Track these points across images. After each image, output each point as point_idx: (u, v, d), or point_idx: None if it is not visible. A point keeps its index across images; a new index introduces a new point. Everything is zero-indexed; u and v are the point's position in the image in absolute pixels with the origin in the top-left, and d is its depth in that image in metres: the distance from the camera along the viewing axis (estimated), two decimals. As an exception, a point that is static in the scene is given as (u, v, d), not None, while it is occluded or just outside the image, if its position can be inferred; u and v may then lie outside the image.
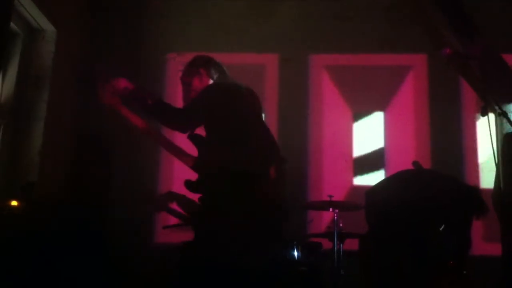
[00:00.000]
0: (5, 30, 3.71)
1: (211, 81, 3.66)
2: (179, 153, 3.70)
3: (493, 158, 3.64)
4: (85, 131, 5.25)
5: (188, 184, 3.47)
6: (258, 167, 3.46)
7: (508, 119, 3.38)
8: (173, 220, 4.22)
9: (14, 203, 3.46)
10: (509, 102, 4.61)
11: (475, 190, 4.30)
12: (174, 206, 4.07)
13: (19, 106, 4.58)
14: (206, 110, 3.47)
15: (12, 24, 4.31)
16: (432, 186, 4.13)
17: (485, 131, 5.55)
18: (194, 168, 3.57)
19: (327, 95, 6.04)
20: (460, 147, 5.74)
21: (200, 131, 3.63)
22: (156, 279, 4.62)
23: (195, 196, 3.55)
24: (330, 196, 4.40)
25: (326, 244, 4.43)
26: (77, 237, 4.00)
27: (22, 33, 4.67)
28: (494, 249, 4.68)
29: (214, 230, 3.28)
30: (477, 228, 4.39)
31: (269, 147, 3.65)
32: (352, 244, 4.49)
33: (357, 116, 6.03)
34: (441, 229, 3.88)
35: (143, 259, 5.02)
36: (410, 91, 5.98)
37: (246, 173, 3.35)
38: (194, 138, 3.59)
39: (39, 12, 4.58)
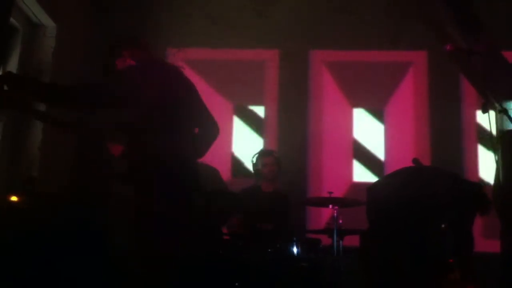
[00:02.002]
0: (5, 25, 3.71)
1: (133, 63, 3.31)
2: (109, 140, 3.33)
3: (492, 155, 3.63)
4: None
5: (119, 177, 3.25)
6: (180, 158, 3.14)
7: (509, 116, 3.37)
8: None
9: (13, 198, 3.45)
10: (509, 99, 4.61)
11: (478, 187, 4.29)
12: None
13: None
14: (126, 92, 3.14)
15: (12, 20, 4.30)
16: (433, 183, 4.13)
17: (485, 128, 5.70)
18: (123, 156, 3.23)
19: (327, 91, 6.04)
20: (459, 144, 5.74)
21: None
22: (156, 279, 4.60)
23: None
24: (330, 193, 4.40)
25: (325, 240, 4.44)
26: (77, 234, 3.99)
27: (22, 29, 4.66)
28: (493, 246, 4.68)
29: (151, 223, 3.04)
30: (477, 225, 4.38)
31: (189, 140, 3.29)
32: (351, 241, 4.50)
33: (357, 112, 6.03)
34: (443, 226, 3.87)
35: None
36: (410, 88, 5.98)
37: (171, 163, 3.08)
38: (124, 127, 3.25)
39: (39, 8, 4.58)
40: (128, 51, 3.36)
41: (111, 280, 3.69)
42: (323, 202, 4.55)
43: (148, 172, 3.07)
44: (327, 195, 4.43)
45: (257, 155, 5.04)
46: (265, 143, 5.89)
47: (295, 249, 3.98)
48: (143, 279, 3.07)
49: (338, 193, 4.97)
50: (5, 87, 2.84)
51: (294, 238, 4.04)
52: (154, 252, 3.02)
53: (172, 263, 3.08)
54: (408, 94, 5.97)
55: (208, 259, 3.65)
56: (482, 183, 5.39)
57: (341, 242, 4.28)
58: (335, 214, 4.34)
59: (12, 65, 4.55)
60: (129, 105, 3.19)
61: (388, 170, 5.68)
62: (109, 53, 3.42)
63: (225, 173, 5.60)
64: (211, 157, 3.62)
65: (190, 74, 3.50)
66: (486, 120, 3.40)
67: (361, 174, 5.86)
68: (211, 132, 3.41)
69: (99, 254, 3.81)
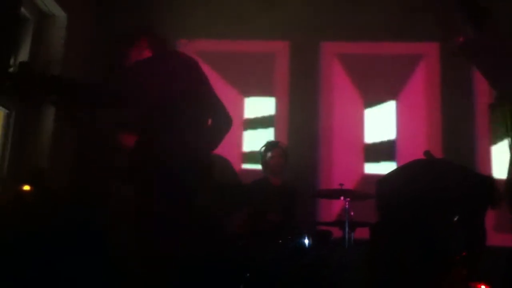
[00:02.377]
0: (16, 15, 3.70)
1: (151, 54, 3.29)
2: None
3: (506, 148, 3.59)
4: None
5: (118, 174, 3.23)
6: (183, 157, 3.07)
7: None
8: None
9: (26, 187, 3.45)
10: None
11: (489, 180, 4.25)
12: None
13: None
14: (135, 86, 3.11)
15: (22, 9, 4.29)
16: (444, 177, 4.09)
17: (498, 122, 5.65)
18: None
19: (339, 83, 6.01)
20: (472, 137, 5.70)
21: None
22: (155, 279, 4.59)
23: None
24: (341, 185, 4.38)
25: (336, 232, 4.42)
26: (78, 233, 3.98)
27: (33, 19, 4.66)
28: (506, 240, 4.65)
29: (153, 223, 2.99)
30: (489, 218, 4.34)
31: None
32: (363, 233, 4.47)
33: (369, 104, 5.99)
34: (455, 219, 3.84)
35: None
36: (422, 80, 5.94)
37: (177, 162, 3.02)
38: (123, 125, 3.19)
39: (50, -2, 4.58)
40: (146, 39, 3.30)
41: (111, 280, 3.68)
42: (334, 194, 4.54)
43: (148, 172, 3.00)
44: (338, 187, 4.41)
45: (264, 147, 5.03)
46: (275, 135, 5.86)
47: (306, 241, 3.96)
48: (143, 279, 3.02)
49: (349, 185, 4.94)
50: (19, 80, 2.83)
51: (305, 231, 4.02)
52: (154, 252, 2.97)
53: (172, 263, 3.03)
54: (420, 86, 5.93)
55: (209, 259, 3.63)
56: (493, 177, 5.34)
57: (352, 234, 4.27)
58: (347, 206, 4.32)
59: (23, 55, 4.55)
60: (132, 105, 3.13)
61: (400, 163, 5.65)
62: (124, 42, 3.34)
63: (236, 164, 5.59)
64: (221, 149, 3.60)
65: (201, 65, 3.46)
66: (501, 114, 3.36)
67: (372, 166, 5.83)
68: (224, 124, 3.35)
69: (99, 254, 3.80)
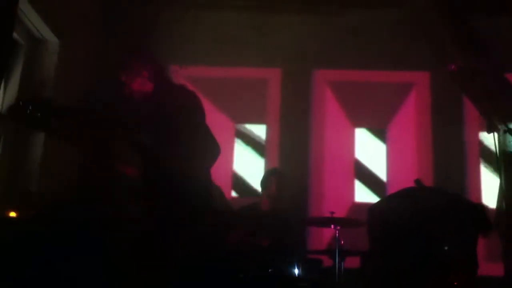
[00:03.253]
0: (8, 39, 3.70)
1: (152, 85, 3.34)
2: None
3: (495, 176, 3.60)
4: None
5: (129, 194, 3.37)
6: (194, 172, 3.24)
7: (513, 136, 3.35)
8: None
9: (12, 214, 3.42)
10: (512, 120, 4.58)
11: (480, 208, 4.25)
12: None
13: (20, 116, 4.55)
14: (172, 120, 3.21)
15: (14, 34, 4.29)
16: (435, 206, 4.09)
17: (488, 150, 5.67)
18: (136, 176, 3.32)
19: (330, 110, 6.03)
20: (462, 165, 5.71)
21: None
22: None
23: None
24: (332, 213, 4.35)
25: (326, 261, 4.38)
26: (78, 246, 3.96)
27: (25, 43, 4.65)
28: (496, 269, 4.63)
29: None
30: (479, 248, 4.33)
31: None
32: (352, 262, 4.44)
33: (360, 132, 6.00)
34: (446, 248, 3.83)
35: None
36: (413, 108, 5.97)
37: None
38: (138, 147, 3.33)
39: (42, 23, 4.57)
40: (149, 72, 3.33)
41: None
42: (325, 222, 4.51)
43: (160, 192, 3.15)
44: (328, 215, 4.39)
45: (268, 173, 5.10)
46: (266, 162, 5.85)
47: (296, 270, 3.92)
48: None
49: (340, 213, 4.93)
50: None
51: (295, 259, 3.99)
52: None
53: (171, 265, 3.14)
54: (411, 114, 5.95)
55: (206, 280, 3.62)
56: (484, 205, 5.34)
57: (342, 263, 4.23)
58: (337, 235, 4.29)
59: (14, 80, 4.54)
60: (143, 131, 3.25)
61: (390, 191, 5.64)
62: (123, 69, 3.35)
63: (226, 191, 5.56)
64: (212, 175, 3.60)
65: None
66: (489, 141, 3.37)
67: (363, 195, 5.82)
68: (213, 152, 3.40)
69: (95, 271, 3.78)
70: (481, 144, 5.76)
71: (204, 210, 3.29)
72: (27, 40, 4.68)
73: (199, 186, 3.26)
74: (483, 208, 4.34)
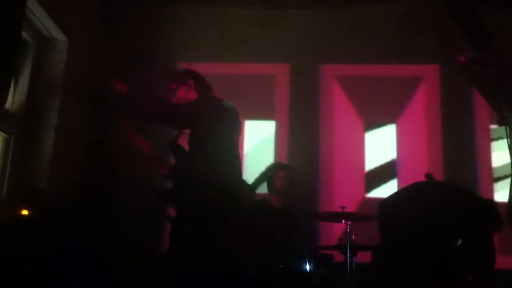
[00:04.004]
0: (17, 38, 3.71)
1: (196, 94, 3.82)
2: (157, 161, 3.75)
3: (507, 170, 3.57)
4: (95, 137, 5.28)
5: (162, 196, 3.60)
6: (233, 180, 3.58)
7: (526, 128, 3.32)
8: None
9: (24, 212, 3.45)
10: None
11: (490, 203, 4.23)
12: None
13: (31, 115, 4.58)
14: (205, 125, 3.58)
15: (23, 33, 4.31)
16: (446, 199, 4.06)
17: (499, 143, 5.63)
18: (169, 176, 3.68)
19: (338, 105, 6.01)
20: (473, 159, 5.68)
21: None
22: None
23: None
24: (343, 208, 4.34)
25: (338, 256, 4.37)
26: (85, 245, 3.98)
27: (34, 42, 4.67)
28: (509, 262, 4.61)
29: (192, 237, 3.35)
30: (491, 241, 4.31)
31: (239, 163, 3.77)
32: (364, 257, 4.43)
33: (369, 127, 5.98)
34: (458, 244, 3.80)
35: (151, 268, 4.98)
36: (423, 102, 5.94)
37: (223, 184, 3.44)
38: (174, 149, 3.71)
39: (51, 22, 4.58)
40: (195, 82, 3.84)
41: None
42: (335, 217, 4.50)
43: (187, 196, 3.41)
44: (339, 210, 4.37)
45: (272, 167, 5.00)
46: (275, 158, 5.84)
47: (307, 266, 3.92)
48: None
49: (350, 208, 4.92)
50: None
51: (306, 254, 3.98)
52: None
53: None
54: (421, 108, 5.92)
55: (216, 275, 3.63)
56: (494, 200, 5.32)
57: (354, 258, 4.22)
58: (348, 230, 4.28)
59: (23, 79, 4.55)
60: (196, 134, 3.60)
61: (401, 185, 5.63)
62: (176, 80, 3.85)
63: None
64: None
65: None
66: (500, 134, 3.34)
67: (373, 189, 5.80)
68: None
69: (102, 268, 3.82)
70: (492, 137, 5.73)
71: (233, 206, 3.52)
72: (36, 39, 4.69)
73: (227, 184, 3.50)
74: (494, 203, 4.32)
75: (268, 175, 4.98)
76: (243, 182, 3.75)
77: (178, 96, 3.82)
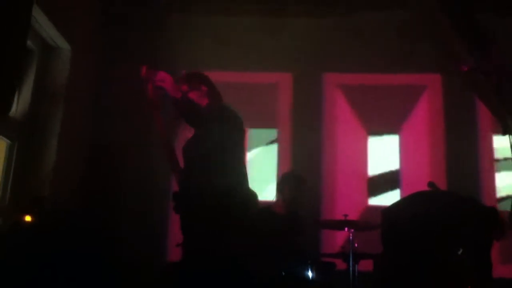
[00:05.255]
0: (22, 47, 3.73)
1: (207, 101, 3.67)
2: (176, 167, 3.64)
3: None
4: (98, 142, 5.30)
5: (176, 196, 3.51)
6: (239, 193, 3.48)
7: (528, 137, 3.31)
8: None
9: (28, 218, 3.45)
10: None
11: (494, 212, 4.22)
12: None
13: (34, 123, 4.60)
14: (222, 129, 3.50)
15: (27, 41, 4.33)
16: (449, 208, 4.06)
17: (502, 152, 5.63)
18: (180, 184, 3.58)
19: (341, 114, 6.01)
20: (476, 168, 5.67)
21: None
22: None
23: None
24: (345, 215, 4.34)
25: (340, 264, 4.37)
26: (86, 249, 3.98)
27: (38, 50, 4.69)
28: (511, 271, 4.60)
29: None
30: (494, 250, 4.30)
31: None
32: (366, 265, 4.42)
33: (372, 136, 5.99)
34: (459, 252, 3.80)
35: (155, 276, 4.98)
36: (425, 111, 5.95)
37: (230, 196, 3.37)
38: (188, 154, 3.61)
39: (55, 30, 4.61)
40: (207, 88, 3.69)
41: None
42: (338, 225, 4.49)
43: (192, 205, 3.36)
44: (341, 217, 4.37)
45: (286, 176, 5.00)
46: (278, 166, 5.85)
47: (310, 273, 3.91)
48: None
49: (353, 216, 4.91)
50: None
51: (309, 262, 3.98)
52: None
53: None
54: (423, 117, 5.93)
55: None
56: (497, 209, 5.30)
57: (356, 266, 4.21)
58: (351, 238, 4.27)
59: (27, 86, 4.58)
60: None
61: (404, 193, 5.62)
62: (188, 83, 3.69)
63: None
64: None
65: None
66: (504, 143, 3.34)
67: (376, 198, 5.80)
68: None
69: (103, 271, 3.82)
70: (495, 147, 5.72)
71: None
72: (40, 47, 4.72)
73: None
74: (497, 212, 4.31)
75: (278, 183, 4.98)
76: (250, 190, 3.70)
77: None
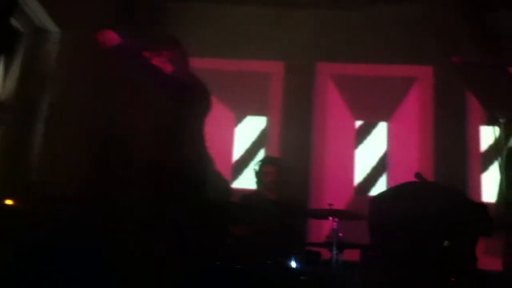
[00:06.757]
0: (7, 26, 3.68)
1: (171, 69, 3.47)
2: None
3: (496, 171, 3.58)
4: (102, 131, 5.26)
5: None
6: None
7: (516, 130, 3.32)
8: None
9: (8, 202, 3.42)
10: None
11: (481, 205, 4.23)
12: None
13: (21, 105, 4.56)
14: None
15: (15, 23, 4.29)
16: (436, 200, 4.08)
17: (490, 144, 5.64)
18: None
19: (332, 103, 6.02)
20: (464, 160, 5.69)
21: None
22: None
23: None
24: (330, 205, 4.33)
25: (325, 254, 4.37)
26: (83, 243, 3.95)
27: (26, 33, 4.65)
28: (495, 263, 4.61)
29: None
30: (479, 242, 4.32)
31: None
32: (351, 255, 4.43)
33: (361, 125, 6.00)
34: (445, 244, 3.82)
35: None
36: (415, 102, 5.96)
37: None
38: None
39: (44, 12, 4.56)
40: (169, 53, 3.46)
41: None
42: (323, 214, 4.48)
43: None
44: (327, 207, 4.37)
45: (260, 162, 4.89)
46: (267, 154, 5.85)
47: (293, 262, 3.91)
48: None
49: (341, 205, 4.92)
50: None
51: (293, 251, 3.97)
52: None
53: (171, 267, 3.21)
54: (413, 108, 5.94)
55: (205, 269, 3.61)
56: (484, 204, 5.32)
57: (340, 255, 4.21)
58: (335, 227, 4.27)
59: (15, 68, 4.53)
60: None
61: (391, 184, 5.64)
62: (154, 47, 3.48)
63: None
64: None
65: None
66: (492, 136, 3.35)
67: (364, 187, 5.81)
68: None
69: (100, 259, 3.79)
70: (483, 139, 5.74)
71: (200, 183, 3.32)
72: (28, 28, 4.67)
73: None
74: (484, 205, 4.32)
75: (256, 170, 4.84)
76: (217, 174, 3.59)
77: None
